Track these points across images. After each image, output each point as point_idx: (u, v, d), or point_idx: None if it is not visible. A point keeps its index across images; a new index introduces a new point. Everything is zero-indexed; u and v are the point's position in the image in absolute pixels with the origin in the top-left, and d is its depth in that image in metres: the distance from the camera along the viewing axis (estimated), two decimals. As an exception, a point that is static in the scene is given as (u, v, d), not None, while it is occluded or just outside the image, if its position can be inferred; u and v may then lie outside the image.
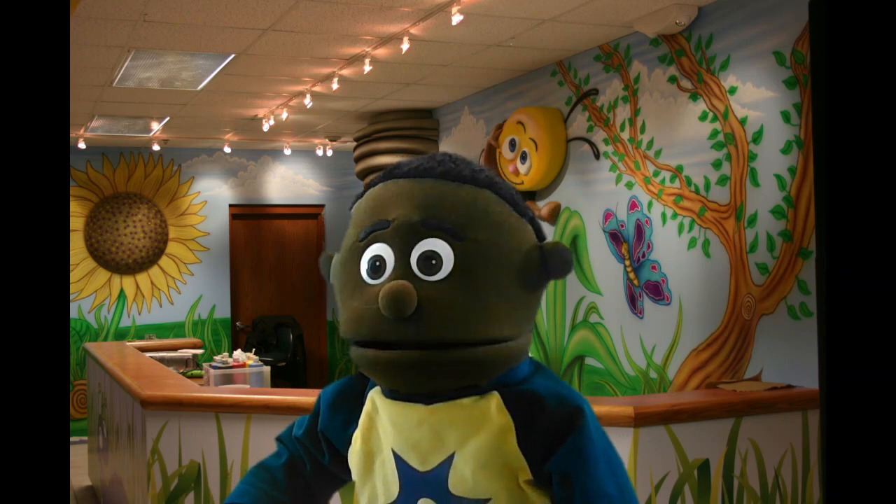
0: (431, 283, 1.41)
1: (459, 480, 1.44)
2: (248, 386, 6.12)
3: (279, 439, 1.72)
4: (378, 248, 1.45)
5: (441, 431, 1.45)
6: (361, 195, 1.58)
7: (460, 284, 1.41)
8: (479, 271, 1.43)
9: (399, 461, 1.49)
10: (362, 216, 1.52)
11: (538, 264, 1.47)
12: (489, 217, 1.47)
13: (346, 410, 1.60)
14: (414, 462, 1.47)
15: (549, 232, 5.65)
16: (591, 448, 1.43)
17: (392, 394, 1.50)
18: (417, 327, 1.39)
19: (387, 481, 1.51)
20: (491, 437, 1.43)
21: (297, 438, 1.68)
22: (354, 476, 1.59)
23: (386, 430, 1.51)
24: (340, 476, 1.67)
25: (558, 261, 1.48)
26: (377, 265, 1.45)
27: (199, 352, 7.12)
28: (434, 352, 1.39)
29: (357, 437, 1.55)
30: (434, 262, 1.42)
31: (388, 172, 1.55)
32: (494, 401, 1.45)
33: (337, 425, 1.61)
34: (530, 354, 1.58)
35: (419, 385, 1.45)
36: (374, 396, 1.55)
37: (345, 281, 1.51)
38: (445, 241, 1.43)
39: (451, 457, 1.45)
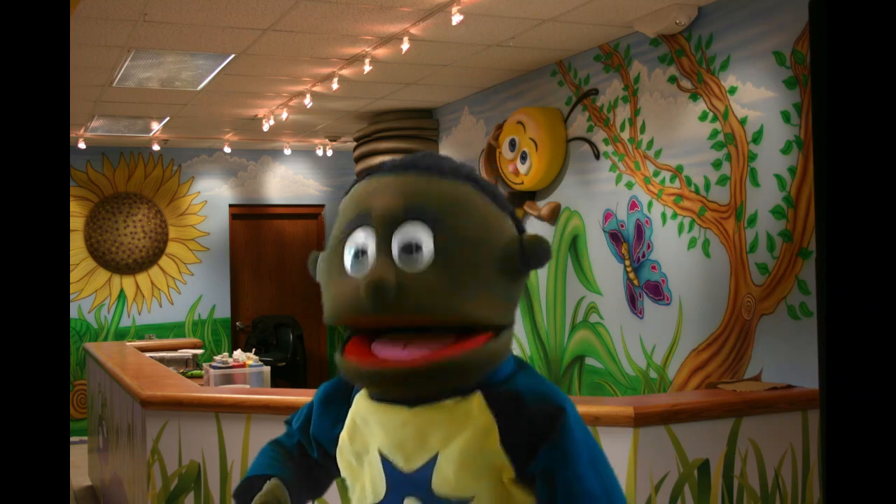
0: (413, 271, 1.43)
1: (443, 481, 1.46)
2: (248, 386, 6.12)
3: (288, 423, 1.78)
4: (359, 238, 1.47)
5: (425, 432, 1.47)
6: (347, 191, 1.61)
7: (441, 271, 1.43)
8: (459, 259, 1.44)
9: (385, 461, 1.51)
10: (345, 210, 1.55)
11: (517, 254, 1.50)
12: (470, 208, 1.49)
13: (334, 410, 1.65)
14: (399, 462, 1.49)
15: (549, 232, 5.66)
16: (574, 446, 1.44)
17: (377, 396, 1.53)
18: (397, 310, 1.40)
19: (374, 481, 1.53)
20: (474, 438, 1.45)
21: (294, 428, 1.75)
22: (344, 475, 1.62)
23: (372, 431, 1.53)
24: (330, 471, 1.72)
25: (538, 250, 1.50)
26: (360, 255, 1.47)
27: (199, 352, 7.12)
28: (419, 367, 1.40)
29: (344, 437, 1.58)
30: (415, 249, 1.44)
31: (374, 169, 1.59)
32: (476, 401, 1.46)
33: (326, 425, 1.66)
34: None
35: (404, 393, 1.47)
36: (359, 399, 1.58)
37: (328, 272, 1.53)
38: (426, 229, 1.45)
39: (435, 457, 1.47)
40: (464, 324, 1.43)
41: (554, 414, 1.45)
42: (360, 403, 1.57)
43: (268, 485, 1.63)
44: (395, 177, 1.52)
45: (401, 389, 1.45)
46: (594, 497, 1.42)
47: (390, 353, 1.44)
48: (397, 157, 1.60)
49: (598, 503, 1.42)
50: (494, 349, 1.45)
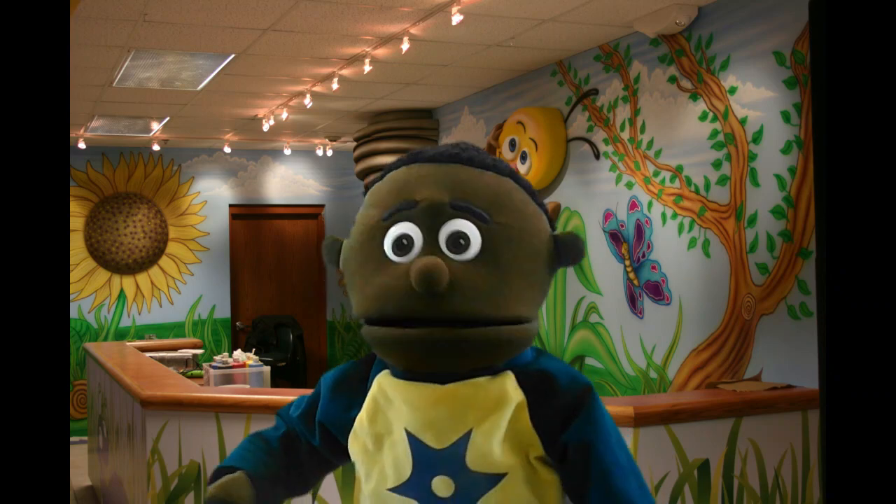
0: (460, 262, 1.44)
1: (478, 455, 1.46)
2: (248, 386, 6.12)
3: (279, 415, 1.76)
4: (404, 227, 1.47)
5: (460, 409, 1.47)
6: (379, 178, 1.60)
7: (488, 265, 1.45)
8: (506, 253, 1.47)
9: (413, 440, 1.50)
10: (384, 197, 1.54)
11: (553, 251, 1.54)
12: (513, 202, 1.52)
13: (348, 395, 1.62)
14: (430, 440, 1.49)
15: (549, 232, 5.65)
16: (604, 421, 1.51)
17: (406, 374, 1.52)
18: (449, 304, 1.41)
19: (398, 462, 1.52)
20: (508, 414, 1.47)
21: (293, 417, 1.72)
22: (358, 460, 1.59)
23: (399, 411, 1.51)
24: (331, 460, 1.70)
25: (572, 249, 1.54)
26: (404, 243, 1.46)
27: (199, 352, 7.12)
28: (463, 330, 1.41)
29: (362, 420, 1.56)
30: (462, 241, 1.45)
31: (412, 157, 1.58)
32: (510, 379, 1.49)
33: (338, 409, 1.63)
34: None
35: (443, 364, 1.46)
36: (382, 379, 1.55)
37: (363, 260, 1.51)
38: (473, 222, 1.46)
39: (469, 433, 1.47)
40: (504, 321, 1.45)
41: (584, 391, 1.51)
42: (384, 383, 1.54)
43: (225, 479, 1.60)
44: (437, 167, 1.53)
45: (443, 360, 1.44)
46: (623, 469, 1.48)
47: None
48: (430, 147, 1.60)
49: (627, 475, 1.48)
50: (531, 328, 1.50)
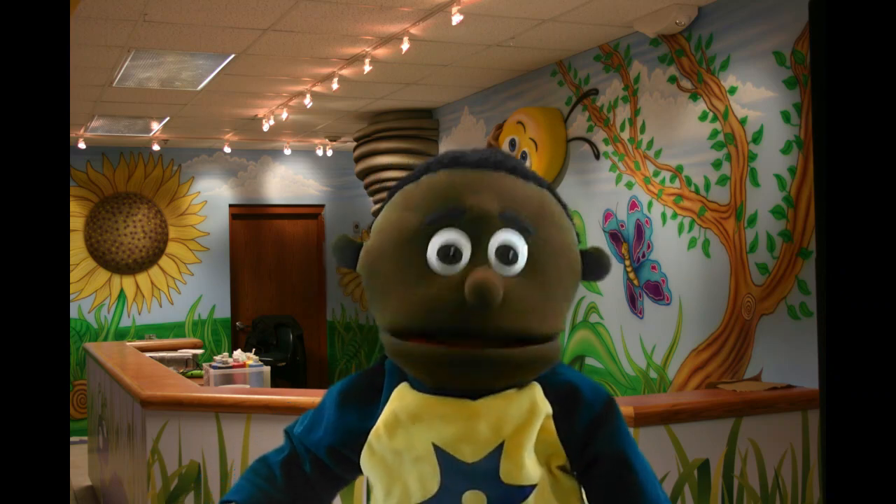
0: (509, 277, 1.42)
1: (514, 468, 1.45)
2: (248, 386, 6.12)
3: (285, 432, 1.69)
4: (451, 235, 1.42)
5: (494, 422, 1.45)
6: (411, 179, 1.53)
7: (535, 279, 1.44)
8: (550, 268, 1.46)
9: (443, 455, 1.46)
10: (423, 201, 1.47)
11: (582, 266, 1.54)
12: (553, 216, 1.51)
13: (360, 406, 1.56)
14: (463, 454, 1.45)
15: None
16: (628, 432, 1.54)
17: (433, 389, 1.46)
18: (500, 318, 1.38)
19: (424, 477, 1.48)
20: (538, 425, 1.47)
21: (296, 435, 1.65)
22: (374, 475, 1.54)
23: (426, 426, 1.46)
24: (342, 476, 1.64)
25: (599, 264, 1.55)
26: (451, 253, 1.42)
27: (199, 352, 7.12)
28: (505, 350, 1.40)
29: (380, 435, 1.49)
30: (511, 254, 1.43)
31: (452, 160, 1.51)
32: (538, 390, 1.48)
33: (349, 422, 1.57)
34: None
35: (482, 383, 1.44)
36: (405, 393, 1.49)
37: (402, 266, 1.45)
38: (520, 234, 1.44)
39: (500, 446, 1.45)
40: (545, 336, 1.45)
41: (609, 403, 1.53)
42: (408, 398, 1.48)
43: None
44: (482, 173, 1.48)
45: (489, 378, 1.43)
46: (651, 476, 1.52)
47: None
48: (470, 151, 1.52)
49: (655, 483, 1.53)
50: (559, 346, 1.52)
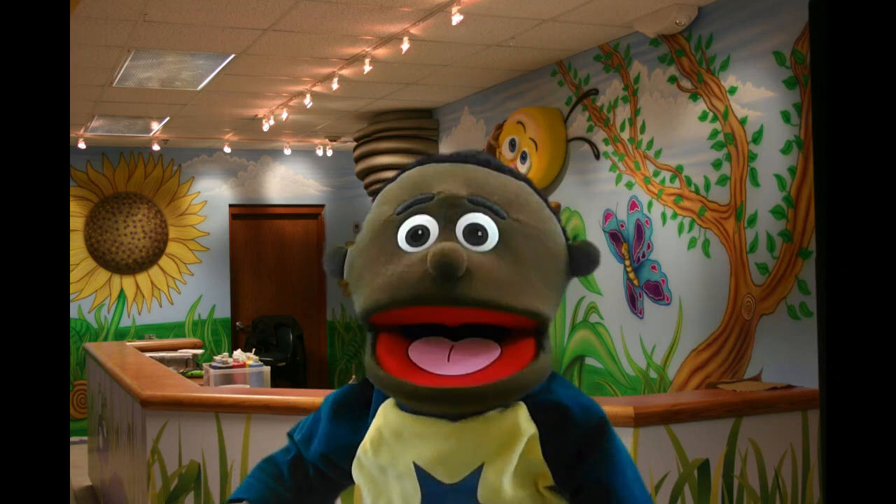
0: (478, 252, 1.40)
1: (490, 490, 1.43)
2: (248, 386, 6.12)
3: (289, 435, 1.71)
4: (420, 219, 1.44)
5: (472, 444, 1.43)
6: (391, 180, 1.58)
7: (505, 257, 1.42)
8: (523, 248, 1.44)
9: (423, 474, 1.46)
10: (397, 194, 1.51)
11: (568, 259, 1.51)
12: (529, 203, 1.50)
13: (351, 419, 1.58)
14: (441, 475, 1.45)
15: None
16: (620, 457, 1.47)
17: (414, 409, 1.46)
18: (465, 289, 1.36)
19: (406, 495, 1.48)
20: (520, 448, 1.43)
21: (297, 441, 1.67)
22: (364, 487, 1.56)
23: (407, 445, 1.47)
24: (340, 481, 1.66)
25: (587, 258, 1.51)
26: (419, 234, 1.42)
27: (199, 352, 7.12)
28: (477, 387, 1.36)
29: (367, 447, 1.51)
30: (480, 233, 1.42)
31: (425, 158, 1.57)
32: (522, 412, 1.44)
33: (341, 433, 1.59)
34: None
35: (456, 410, 1.42)
36: (388, 410, 1.50)
37: (375, 255, 1.46)
38: (490, 216, 1.44)
39: (480, 468, 1.44)
40: (524, 314, 1.40)
41: (600, 425, 1.47)
42: (391, 415, 1.49)
43: None
44: (453, 165, 1.52)
45: (457, 409, 1.40)
46: (637, 502, 1.46)
47: (434, 365, 1.39)
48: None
49: None
50: (545, 364, 1.44)
